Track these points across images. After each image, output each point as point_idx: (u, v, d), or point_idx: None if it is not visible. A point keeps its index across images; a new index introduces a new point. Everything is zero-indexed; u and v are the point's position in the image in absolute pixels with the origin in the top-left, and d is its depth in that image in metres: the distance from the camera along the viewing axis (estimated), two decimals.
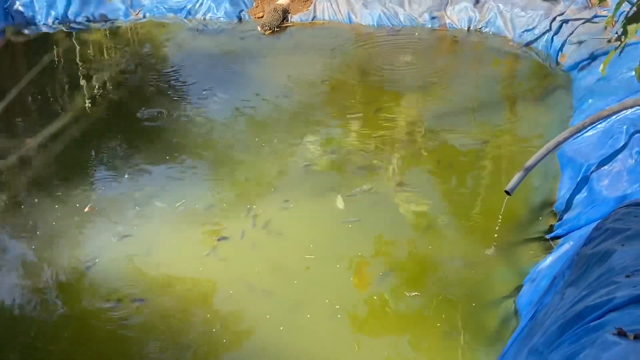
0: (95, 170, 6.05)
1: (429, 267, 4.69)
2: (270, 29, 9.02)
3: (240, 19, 9.56)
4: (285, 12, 9.35)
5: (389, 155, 5.98)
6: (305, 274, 4.65)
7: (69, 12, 9.78)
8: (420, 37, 8.66)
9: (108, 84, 7.91)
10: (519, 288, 4.38)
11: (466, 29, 8.72)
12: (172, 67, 8.27)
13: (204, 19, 9.65)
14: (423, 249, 4.86)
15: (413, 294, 4.42)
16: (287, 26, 9.25)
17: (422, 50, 8.30)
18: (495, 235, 4.83)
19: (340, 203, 5.31)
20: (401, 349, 4.07)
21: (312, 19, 9.34)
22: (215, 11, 9.63)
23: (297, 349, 4.09)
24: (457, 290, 4.45)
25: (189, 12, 9.72)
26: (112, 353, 4.15)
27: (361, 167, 5.81)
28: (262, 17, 9.30)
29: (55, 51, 8.94)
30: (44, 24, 9.69)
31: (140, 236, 5.08)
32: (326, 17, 9.32)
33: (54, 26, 9.70)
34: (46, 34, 9.53)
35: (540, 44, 7.99)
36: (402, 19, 8.99)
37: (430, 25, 8.87)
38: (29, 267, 4.87)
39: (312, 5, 9.43)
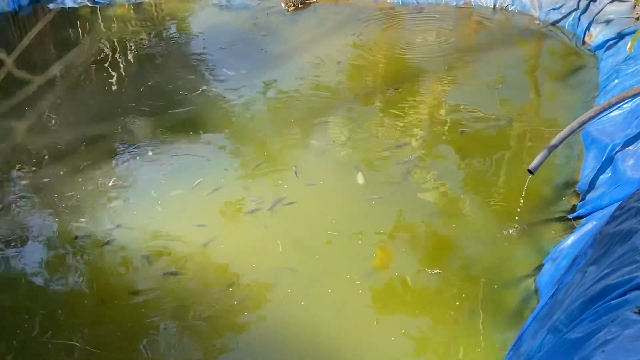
0: (119, 144, 6.12)
1: (451, 245, 4.69)
2: (294, 5, 9.00)
3: None
4: None
5: (410, 133, 5.97)
6: (327, 248, 4.68)
7: None
8: (444, 15, 8.58)
9: (131, 57, 7.98)
10: (539, 267, 4.37)
11: (492, 6, 8.62)
12: (194, 42, 8.30)
13: None
14: (444, 227, 4.85)
15: (435, 271, 4.44)
16: (310, 2, 9.21)
17: (447, 28, 8.23)
18: (517, 214, 4.82)
19: (360, 179, 5.32)
20: (420, 325, 4.09)
21: None
22: None
23: (317, 322, 4.13)
24: (478, 269, 4.46)
25: None
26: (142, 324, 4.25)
27: (385, 147, 5.81)
28: None
29: (79, 25, 9.02)
30: None
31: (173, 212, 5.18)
32: None
33: (79, 1, 9.76)
34: (71, 8, 9.60)
35: (566, 23, 7.88)
36: None
37: (455, 3, 8.78)
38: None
39: None
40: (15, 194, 5.50)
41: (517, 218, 4.80)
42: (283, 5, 9.04)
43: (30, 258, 4.86)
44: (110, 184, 5.49)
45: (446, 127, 6.04)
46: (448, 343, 3.96)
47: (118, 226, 5.04)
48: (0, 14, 9.40)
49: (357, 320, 4.16)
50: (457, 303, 4.21)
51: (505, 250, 4.60)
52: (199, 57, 7.88)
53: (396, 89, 6.74)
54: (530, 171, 4.66)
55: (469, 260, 4.55)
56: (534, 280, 4.28)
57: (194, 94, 6.90)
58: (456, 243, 4.70)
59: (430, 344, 3.97)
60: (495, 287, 4.31)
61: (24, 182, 5.64)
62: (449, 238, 4.75)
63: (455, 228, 4.83)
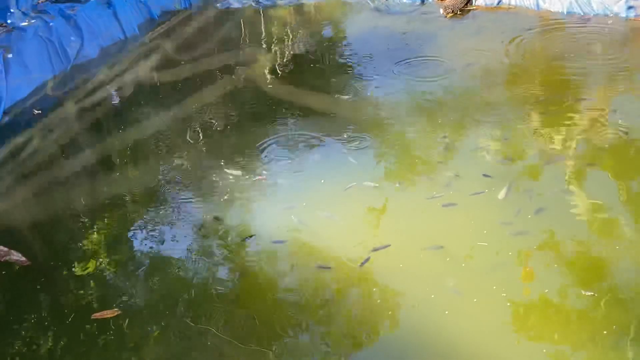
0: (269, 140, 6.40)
1: (603, 267, 4.47)
2: (452, 11, 8.94)
3: (423, 1, 9.55)
4: None
5: (568, 149, 5.74)
6: (474, 259, 4.63)
7: None
8: (613, 27, 8.14)
9: (289, 58, 8.32)
10: None
11: None
12: (350, 46, 8.51)
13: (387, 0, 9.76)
14: (597, 246, 4.63)
15: (589, 293, 4.25)
16: (470, 9, 9.10)
17: (614, 41, 7.80)
18: None
19: (501, 194, 5.19)
20: (564, 349, 3.95)
21: (498, 3, 9.10)
22: None
23: (459, 333, 4.11)
24: (631, 295, 4.22)
25: None
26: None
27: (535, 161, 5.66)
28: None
29: (242, 24, 9.54)
30: None
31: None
32: (512, 2, 9.04)
33: (244, 1, 10.29)
34: (235, 8, 10.16)
35: None
36: (594, 6, 8.50)
37: (625, 15, 8.31)
38: None
39: None
40: None
41: None
42: (442, 11, 9.00)
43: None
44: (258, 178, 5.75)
45: (606, 145, 5.74)
46: None
47: None
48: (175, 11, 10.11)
49: (498, 334, 4.09)
50: (606, 329, 4.01)
51: None
52: (354, 58, 8.08)
53: (556, 103, 6.49)
54: None
55: (622, 284, 4.32)
56: None
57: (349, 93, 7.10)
58: (609, 265, 4.48)
59: None
60: None
61: None
62: (602, 258, 4.53)
63: (609, 249, 4.59)
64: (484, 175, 5.44)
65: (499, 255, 4.62)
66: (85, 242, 5.19)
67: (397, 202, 5.33)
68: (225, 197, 5.53)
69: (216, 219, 5.30)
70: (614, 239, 4.68)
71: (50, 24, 8.27)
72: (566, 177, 5.38)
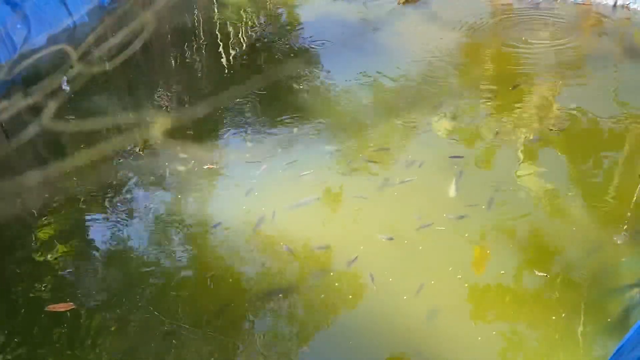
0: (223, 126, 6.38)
1: (555, 248, 4.60)
2: None
3: None
4: None
5: (519, 134, 5.85)
6: (429, 243, 4.70)
7: None
8: (561, 12, 8.30)
9: (243, 44, 8.27)
10: None
11: (612, 4, 8.26)
12: (303, 30, 8.49)
13: None
14: (550, 228, 4.76)
15: (541, 274, 4.36)
16: None
17: (564, 26, 7.96)
18: (627, 222, 4.66)
19: (452, 191, 5.26)
20: (519, 327, 4.06)
21: None
22: None
23: (419, 309, 4.19)
24: (582, 274, 4.35)
25: None
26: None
27: (486, 145, 5.76)
28: None
29: (195, 11, 9.42)
30: None
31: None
32: None
33: None
34: None
35: None
36: None
37: (573, 0, 8.48)
38: None
39: None
40: None
41: (626, 225, 4.65)
42: None
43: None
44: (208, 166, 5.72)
45: (556, 128, 5.88)
46: (545, 349, 3.91)
47: None
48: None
49: (455, 311, 4.18)
50: (559, 306, 4.13)
51: (611, 257, 4.47)
52: (306, 43, 8.07)
53: (515, 86, 6.60)
54: None
55: (573, 264, 4.45)
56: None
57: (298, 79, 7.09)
58: (562, 246, 4.60)
59: (527, 348, 3.93)
60: (599, 294, 4.20)
61: None
62: (555, 240, 4.65)
63: (560, 230, 4.72)
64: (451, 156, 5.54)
65: (453, 237, 4.72)
66: (38, 233, 5.10)
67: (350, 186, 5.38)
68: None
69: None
70: (562, 220, 4.82)
71: None
72: (518, 160, 5.49)
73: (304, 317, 4.26)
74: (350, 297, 4.33)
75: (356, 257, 4.56)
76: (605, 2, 8.32)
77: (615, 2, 8.25)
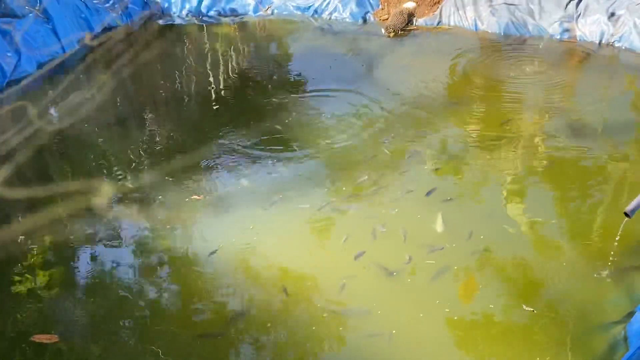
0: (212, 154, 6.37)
1: (539, 283, 4.57)
2: (394, 31, 9.09)
3: (365, 20, 9.71)
4: (410, 16, 9.38)
5: (505, 168, 5.86)
6: (415, 277, 4.66)
7: (202, 6, 10.36)
8: (547, 48, 8.41)
9: (232, 74, 8.31)
10: (630, 314, 4.19)
11: (597, 42, 8.38)
12: (293, 63, 8.55)
13: (330, 18, 9.88)
14: (534, 262, 4.73)
15: (529, 309, 4.32)
16: (411, 29, 9.28)
17: (550, 62, 8.04)
18: (611, 257, 4.64)
19: (439, 226, 5.23)
20: None
21: (438, 24, 9.32)
22: (341, 11, 9.82)
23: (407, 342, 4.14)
24: (567, 310, 4.32)
25: (315, 11, 9.98)
26: None
27: (474, 180, 5.77)
28: (387, 19, 9.36)
29: (186, 41, 9.50)
30: (178, 15, 10.35)
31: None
32: (452, 23, 9.26)
33: (187, 18, 10.28)
34: (179, 25, 10.14)
35: None
36: (530, 28, 8.78)
37: (559, 37, 8.60)
38: None
39: (439, 9, 9.38)
40: None
41: (611, 260, 4.63)
42: (384, 31, 9.14)
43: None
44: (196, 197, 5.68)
45: (542, 163, 5.90)
46: None
47: None
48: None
49: (443, 345, 4.13)
50: (544, 342, 4.08)
51: (596, 292, 4.43)
52: (296, 76, 8.11)
53: (506, 121, 6.63)
54: (626, 214, 4.47)
55: (558, 299, 4.41)
56: (624, 327, 4.11)
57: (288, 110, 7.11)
58: (546, 281, 4.57)
59: None
60: (583, 330, 4.16)
61: None
62: (539, 274, 4.62)
63: (545, 265, 4.69)
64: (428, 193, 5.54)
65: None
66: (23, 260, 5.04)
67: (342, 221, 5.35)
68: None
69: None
70: (547, 254, 4.80)
71: None
72: (504, 195, 5.50)
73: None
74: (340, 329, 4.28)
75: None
76: (590, 39, 8.43)
77: (601, 40, 8.36)
